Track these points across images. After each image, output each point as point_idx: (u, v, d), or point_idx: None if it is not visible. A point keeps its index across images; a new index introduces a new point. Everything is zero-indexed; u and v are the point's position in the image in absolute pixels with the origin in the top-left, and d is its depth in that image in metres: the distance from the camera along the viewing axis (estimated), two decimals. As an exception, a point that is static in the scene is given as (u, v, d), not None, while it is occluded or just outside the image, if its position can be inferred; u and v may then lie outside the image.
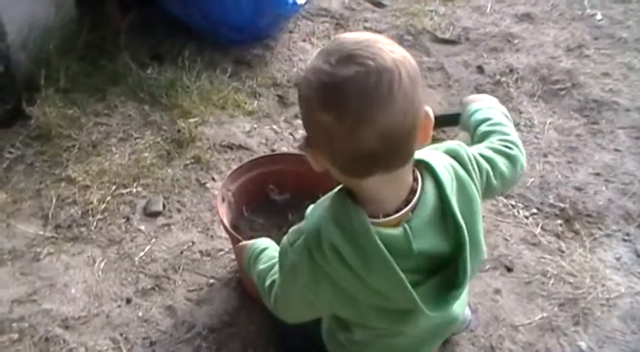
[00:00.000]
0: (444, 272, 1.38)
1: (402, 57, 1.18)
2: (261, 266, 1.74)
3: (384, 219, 1.30)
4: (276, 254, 1.61)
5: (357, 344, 1.67)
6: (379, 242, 1.26)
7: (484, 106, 1.82)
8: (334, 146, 1.21)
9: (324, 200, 1.40)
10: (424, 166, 1.36)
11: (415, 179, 1.34)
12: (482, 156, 1.54)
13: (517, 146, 1.67)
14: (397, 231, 1.29)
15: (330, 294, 1.39)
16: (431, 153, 1.40)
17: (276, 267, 1.60)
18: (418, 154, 1.33)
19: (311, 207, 1.45)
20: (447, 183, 1.34)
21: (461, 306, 1.70)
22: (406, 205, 1.31)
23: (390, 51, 1.17)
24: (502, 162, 1.60)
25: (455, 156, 1.43)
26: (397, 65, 1.16)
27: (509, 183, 1.65)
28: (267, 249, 1.81)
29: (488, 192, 1.55)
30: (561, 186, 2.94)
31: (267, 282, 1.66)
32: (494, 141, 1.66)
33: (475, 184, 1.42)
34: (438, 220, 1.34)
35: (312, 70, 1.20)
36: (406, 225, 1.30)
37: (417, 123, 1.21)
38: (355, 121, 1.15)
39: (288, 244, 1.43)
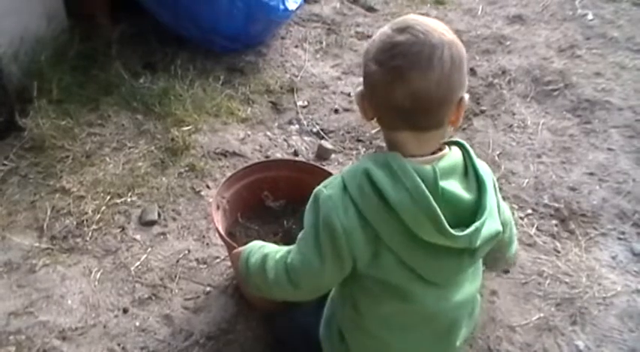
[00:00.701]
0: (464, 229, 1.46)
1: (451, 41, 1.42)
2: (268, 250, 1.73)
3: (414, 158, 1.46)
4: (278, 247, 1.74)
5: (357, 334, 1.69)
6: (410, 168, 1.41)
7: None
8: (375, 96, 1.48)
9: None
10: (457, 144, 1.55)
11: (444, 146, 1.53)
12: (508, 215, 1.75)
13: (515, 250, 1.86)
14: (427, 167, 1.44)
15: (357, 228, 1.47)
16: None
17: (286, 248, 1.67)
18: (459, 139, 1.57)
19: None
20: (472, 155, 1.53)
21: (470, 306, 1.72)
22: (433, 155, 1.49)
23: (441, 33, 1.42)
24: (514, 240, 1.82)
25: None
26: (443, 44, 1.40)
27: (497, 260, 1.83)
28: (266, 245, 1.80)
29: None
30: (556, 187, 2.95)
31: (278, 255, 1.67)
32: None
33: (498, 201, 1.59)
34: (461, 175, 1.50)
35: (379, 32, 1.48)
36: (434, 165, 1.45)
37: (450, 99, 1.43)
38: (393, 76, 1.40)
39: (322, 186, 1.54)
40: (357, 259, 1.51)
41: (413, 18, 1.46)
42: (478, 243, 1.47)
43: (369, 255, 1.50)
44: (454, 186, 1.46)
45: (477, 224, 1.45)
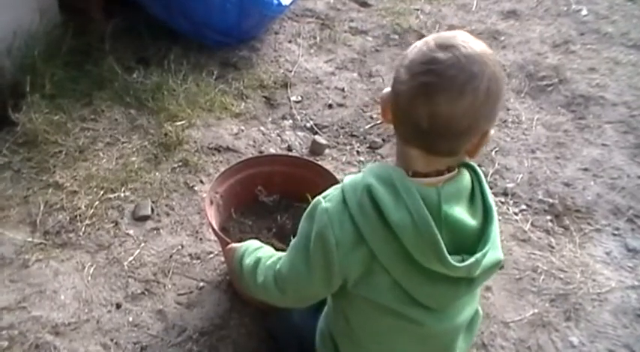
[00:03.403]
0: (467, 256, 1.42)
1: (492, 73, 1.31)
2: (261, 254, 1.73)
3: (417, 178, 1.41)
4: (274, 251, 1.73)
5: (351, 346, 1.67)
6: (413, 187, 1.36)
7: None
8: (397, 104, 1.38)
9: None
10: (468, 167, 1.49)
11: (455, 168, 1.46)
12: None
13: None
14: (431, 189, 1.39)
15: (352, 245, 1.43)
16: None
17: (279, 254, 1.67)
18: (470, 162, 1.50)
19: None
20: (483, 179, 1.48)
21: (463, 325, 1.67)
22: (440, 176, 1.43)
23: (485, 62, 1.30)
24: None
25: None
26: (483, 75, 1.29)
27: None
28: (263, 247, 1.81)
29: None
30: (550, 182, 2.95)
31: (269, 261, 1.67)
32: None
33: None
34: (467, 200, 1.45)
35: (423, 41, 1.37)
36: (439, 188, 1.39)
37: (472, 132, 1.35)
38: (419, 92, 1.32)
39: (322, 197, 1.50)
40: (347, 276, 1.48)
41: (462, 37, 1.33)
42: (477, 272, 1.43)
43: (360, 274, 1.46)
44: (458, 212, 1.41)
45: (478, 255, 1.40)
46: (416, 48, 1.37)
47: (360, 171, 1.48)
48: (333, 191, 1.50)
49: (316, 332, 1.83)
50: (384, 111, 1.47)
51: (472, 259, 1.39)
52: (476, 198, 1.46)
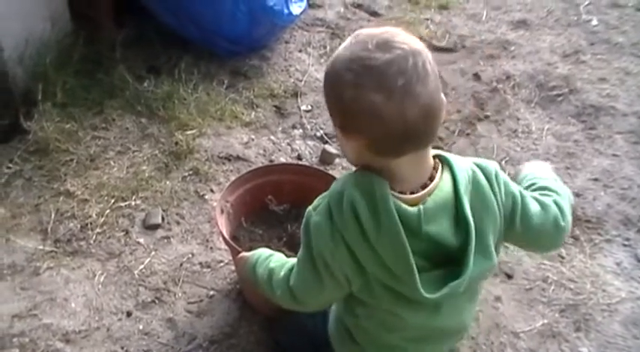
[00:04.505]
0: (450, 268, 1.43)
1: (420, 43, 1.35)
2: (274, 264, 1.74)
3: (402, 195, 1.40)
4: (285, 259, 1.74)
5: (362, 333, 1.69)
6: (394, 210, 1.35)
7: (535, 171, 1.86)
8: (384, 125, 1.31)
9: (348, 172, 1.49)
10: (444, 162, 1.48)
11: (435, 168, 1.46)
12: (515, 190, 1.58)
13: (558, 205, 1.68)
14: (412, 210, 1.38)
15: (345, 257, 1.44)
16: (456, 156, 1.50)
17: (291, 262, 1.67)
18: (442, 152, 1.50)
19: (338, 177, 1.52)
20: (461, 181, 1.44)
21: (470, 317, 1.72)
22: (424, 189, 1.42)
23: (410, 38, 1.34)
24: (533, 207, 1.61)
25: (482, 168, 1.52)
26: (423, 48, 1.33)
27: (536, 235, 1.64)
28: (275, 254, 1.81)
29: (510, 229, 1.56)
30: (560, 192, 2.94)
31: (282, 273, 1.67)
32: (535, 193, 1.69)
33: (496, 198, 1.49)
34: (450, 214, 1.43)
35: (350, 59, 1.33)
36: (421, 207, 1.39)
37: (442, 106, 1.37)
38: (402, 96, 1.28)
39: (312, 209, 1.51)
40: (351, 282, 1.50)
41: (376, 31, 1.35)
42: (462, 288, 1.43)
43: (361, 282, 1.49)
44: (439, 230, 1.41)
45: (452, 284, 1.41)
46: (356, 72, 1.31)
47: (348, 174, 1.47)
48: (321, 200, 1.51)
49: (329, 321, 1.85)
50: (350, 149, 1.44)
51: (445, 290, 1.41)
52: (460, 209, 1.43)
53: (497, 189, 1.50)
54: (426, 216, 1.39)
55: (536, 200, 1.63)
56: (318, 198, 1.54)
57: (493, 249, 1.48)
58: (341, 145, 1.52)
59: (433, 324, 1.58)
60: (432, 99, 1.32)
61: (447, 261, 1.44)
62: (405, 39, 1.32)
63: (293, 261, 1.67)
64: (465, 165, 1.48)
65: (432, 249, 1.41)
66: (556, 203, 1.67)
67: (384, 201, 1.36)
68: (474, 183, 1.46)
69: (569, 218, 1.69)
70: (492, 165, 1.54)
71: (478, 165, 1.51)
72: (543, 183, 1.76)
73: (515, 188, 1.58)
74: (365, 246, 1.40)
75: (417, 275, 1.37)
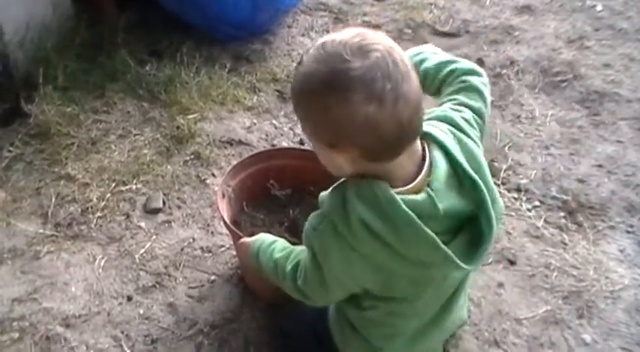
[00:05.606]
0: (468, 229, 1.44)
1: (386, 36, 1.31)
2: (278, 255, 1.72)
3: (404, 188, 1.37)
4: (288, 244, 1.74)
5: (366, 323, 1.69)
6: (405, 207, 1.32)
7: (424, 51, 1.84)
8: (380, 132, 1.27)
9: (337, 185, 1.44)
10: (428, 137, 1.44)
11: (423, 148, 1.42)
12: (462, 105, 1.60)
13: (472, 72, 1.72)
14: (420, 196, 1.35)
15: (362, 272, 1.43)
16: (428, 125, 1.46)
17: (295, 253, 1.67)
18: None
19: (322, 194, 1.47)
20: (452, 147, 1.43)
21: (463, 308, 1.76)
22: (419, 172, 1.39)
23: (381, 37, 1.30)
24: (473, 99, 1.65)
25: (448, 121, 1.51)
26: (393, 46, 1.29)
27: (487, 104, 1.70)
28: (277, 241, 1.80)
29: (483, 132, 1.60)
30: (564, 179, 2.92)
31: (289, 267, 1.65)
32: (453, 83, 1.70)
33: (473, 140, 1.50)
34: (452, 182, 1.41)
35: (331, 74, 1.26)
36: (428, 189, 1.37)
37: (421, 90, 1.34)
38: (394, 100, 1.25)
39: (312, 229, 1.47)
40: (369, 288, 1.51)
41: (350, 40, 1.27)
42: (491, 247, 1.46)
43: (381, 284, 1.48)
44: (452, 203, 1.39)
45: (485, 247, 1.43)
46: (342, 86, 1.25)
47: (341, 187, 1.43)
48: (319, 219, 1.45)
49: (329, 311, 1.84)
50: (344, 161, 1.38)
51: (480, 253, 1.43)
52: (458, 173, 1.42)
53: (470, 133, 1.51)
54: (438, 196, 1.36)
55: (465, 91, 1.67)
56: (312, 215, 1.49)
57: (495, 188, 1.47)
58: (327, 160, 1.43)
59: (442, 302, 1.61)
60: (418, 92, 1.30)
61: (462, 225, 1.44)
62: (375, 38, 1.28)
63: (297, 249, 1.67)
64: (442, 129, 1.47)
65: (450, 222, 1.41)
66: (474, 73, 1.72)
67: (392, 203, 1.32)
68: (459, 142, 1.46)
69: (471, 64, 1.75)
70: (448, 112, 1.55)
71: (446, 121, 1.51)
72: (440, 57, 1.77)
73: (468, 112, 1.59)
74: (389, 252, 1.36)
75: (454, 257, 1.36)
